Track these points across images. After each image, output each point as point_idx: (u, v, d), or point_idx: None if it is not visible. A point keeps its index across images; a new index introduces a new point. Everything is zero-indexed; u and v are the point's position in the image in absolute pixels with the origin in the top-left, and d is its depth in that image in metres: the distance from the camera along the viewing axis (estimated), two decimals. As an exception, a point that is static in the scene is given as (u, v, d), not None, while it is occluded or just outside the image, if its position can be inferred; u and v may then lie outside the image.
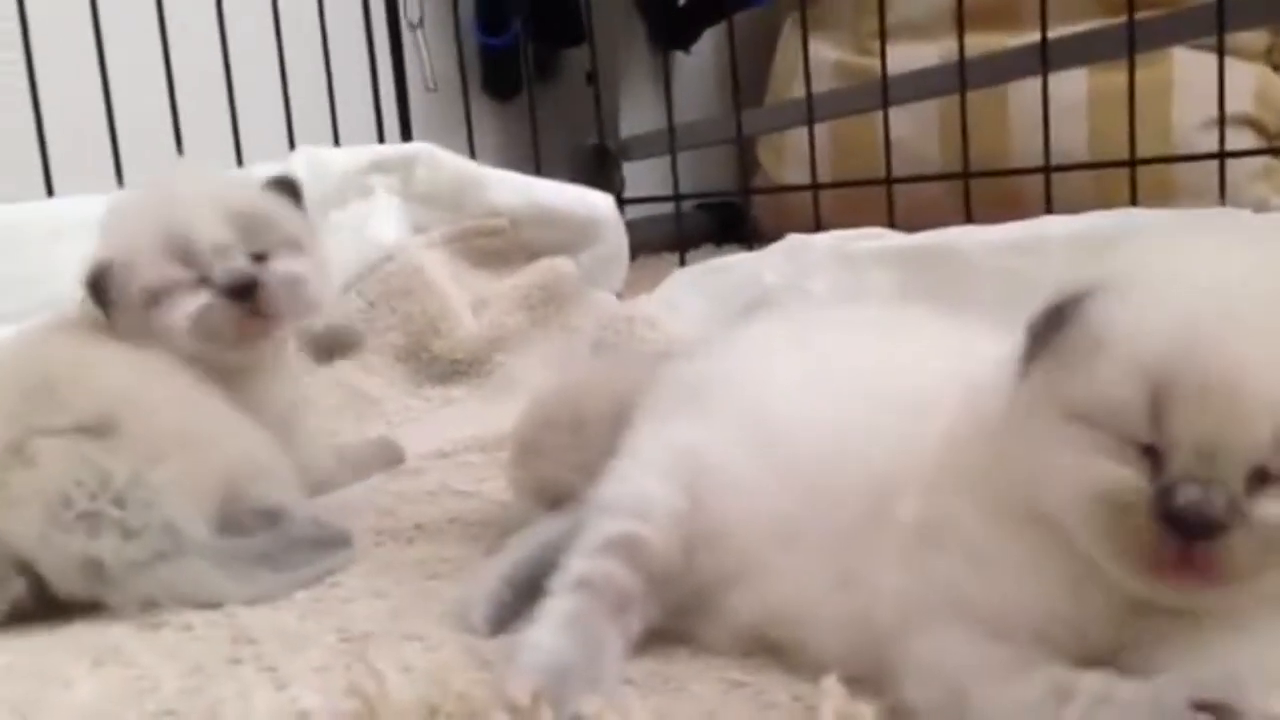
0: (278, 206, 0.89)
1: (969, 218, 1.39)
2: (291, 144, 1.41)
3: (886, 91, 1.59)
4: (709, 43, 2.61)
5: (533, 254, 1.31)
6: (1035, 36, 1.92)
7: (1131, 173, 1.43)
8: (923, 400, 0.58)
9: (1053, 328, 0.51)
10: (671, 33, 2.52)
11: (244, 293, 0.82)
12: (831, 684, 0.51)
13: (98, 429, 0.74)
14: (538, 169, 1.68)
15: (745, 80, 2.60)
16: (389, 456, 1.03)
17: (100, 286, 0.83)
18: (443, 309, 1.21)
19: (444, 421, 1.13)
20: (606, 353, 1.12)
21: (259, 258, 0.85)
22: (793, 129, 2.17)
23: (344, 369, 1.17)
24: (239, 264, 0.84)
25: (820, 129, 2.18)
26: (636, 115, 2.45)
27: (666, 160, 2.33)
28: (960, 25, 1.59)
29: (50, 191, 1.12)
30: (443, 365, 1.22)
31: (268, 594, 0.74)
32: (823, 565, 0.58)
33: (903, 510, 0.55)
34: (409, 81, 1.83)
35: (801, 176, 2.21)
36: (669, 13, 2.51)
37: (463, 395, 1.21)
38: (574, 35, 2.23)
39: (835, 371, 0.64)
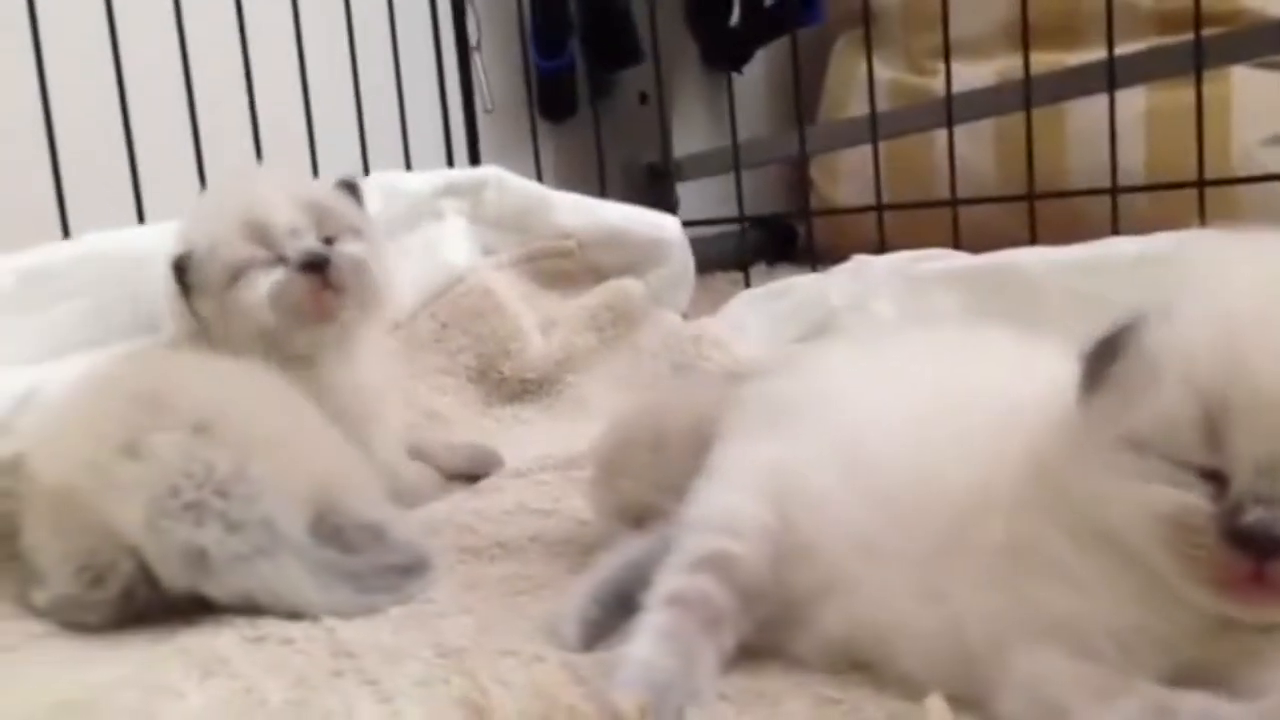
0: (342, 200, 0.98)
1: (1034, 239, 1.39)
2: (365, 168, 1.44)
3: (951, 111, 1.59)
4: (760, 63, 2.63)
5: (600, 275, 1.33)
6: (1092, 55, 1.93)
7: (1200, 193, 1.43)
8: (1000, 421, 0.59)
9: (1106, 359, 0.52)
10: (724, 53, 2.54)
11: (317, 267, 0.90)
12: (936, 702, 0.52)
13: (199, 428, 0.78)
14: (602, 190, 1.71)
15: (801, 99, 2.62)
16: (488, 460, 1.07)
17: (184, 270, 0.91)
18: (513, 330, 1.24)
19: (516, 441, 1.15)
20: (684, 373, 1.14)
21: (327, 241, 0.93)
22: (846, 148, 2.18)
23: (417, 390, 1.19)
24: (310, 243, 0.91)
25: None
26: (689, 135, 2.47)
27: (718, 180, 2.36)
28: (1025, 43, 1.59)
29: (141, 219, 1.16)
30: (513, 385, 1.24)
31: (351, 610, 0.76)
32: (907, 581, 0.59)
33: (987, 531, 0.56)
34: (464, 102, 1.86)
35: (855, 195, 2.22)
36: (721, 33, 2.53)
37: (533, 415, 1.23)
38: (629, 57, 2.25)
39: (916, 391, 0.66)
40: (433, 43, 1.74)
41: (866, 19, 1.79)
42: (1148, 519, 0.49)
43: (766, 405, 0.72)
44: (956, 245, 1.31)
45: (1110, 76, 1.54)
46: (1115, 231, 1.33)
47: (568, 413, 1.23)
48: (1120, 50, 1.87)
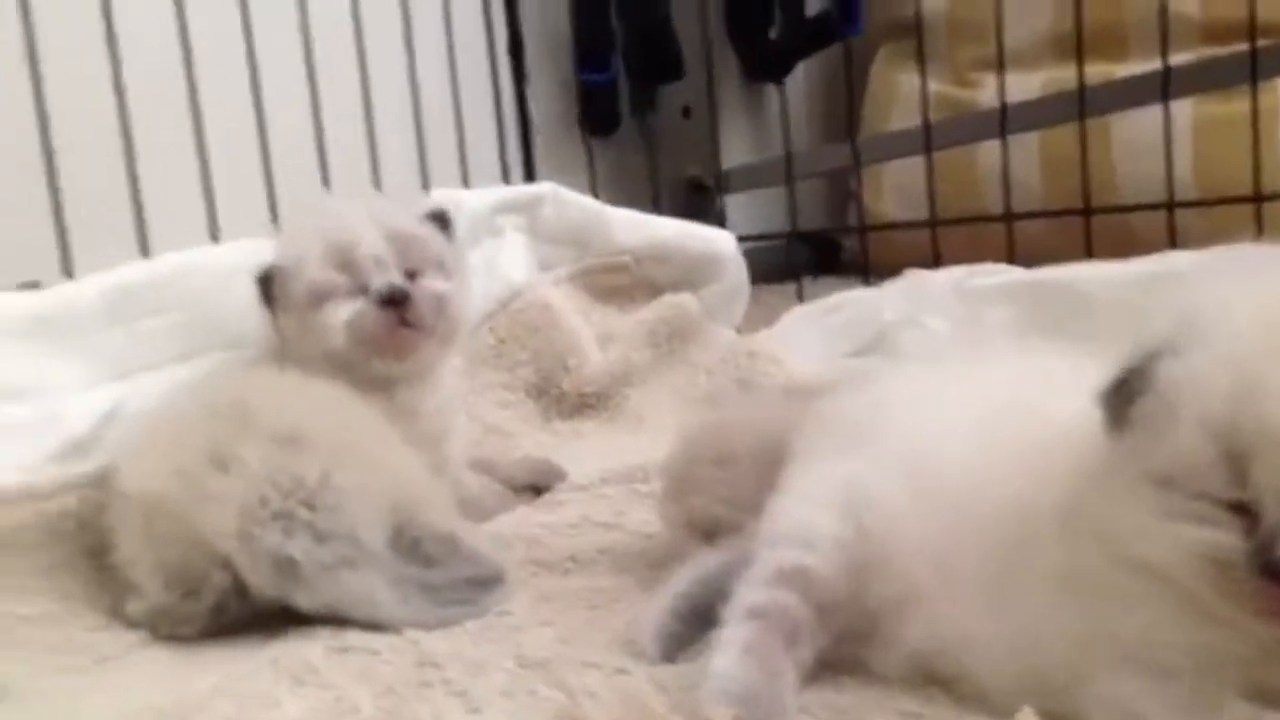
0: (430, 232, 0.99)
1: (1089, 254, 1.40)
2: (425, 185, 1.47)
3: (1005, 123, 1.59)
4: (800, 76, 2.64)
5: (655, 290, 1.35)
6: (1137, 66, 1.93)
7: (1257, 209, 1.42)
8: (1049, 444, 0.60)
9: (1124, 399, 0.53)
10: (765, 66, 2.56)
11: (395, 303, 0.91)
12: (1028, 717, 0.53)
13: (285, 440, 0.81)
14: (656, 204, 1.72)
15: (838, 112, 2.63)
16: (550, 474, 1.09)
17: (268, 284, 0.93)
18: (571, 345, 1.26)
19: (575, 454, 1.17)
20: (750, 390, 1.15)
21: (410, 274, 0.94)
22: (890, 161, 2.18)
23: (478, 404, 1.21)
24: (393, 277, 0.92)
25: (918, 161, 2.20)
26: (730, 148, 2.48)
27: (760, 192, 2.37)
28: (1080, 55, 1.58)
29: (215, 238, 1.19)
30: (572, 400, 1.26)
31: (430, 623, 0.78)
32: (977, 598, 0.60)
33: (1043, 554, 0.57)
34: (520, 118, 1.89)
35: (898, 208, 2.23)
36: (762, 45, 2.54)
37: (591, 429, 1.25)
38: (671, 71, 2.27)
39: (980, 411, 0.67)
40: (488, 62, 1.77)
41: (920, 33, 1.78)
42: (1182, 557, 0.50)
43: (837, 423, 0.74)
44: (1010, 260, 1.32)
45: (1165, 88, 1.53)
46: (1171, 246, 1.34)
47: (625, 427, 1.25)
48: (1172, 61, 1.87)
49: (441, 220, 1.00)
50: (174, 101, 1.23)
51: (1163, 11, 1.55)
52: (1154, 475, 0.51)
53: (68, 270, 1.04)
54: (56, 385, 0.90)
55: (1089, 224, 1.50)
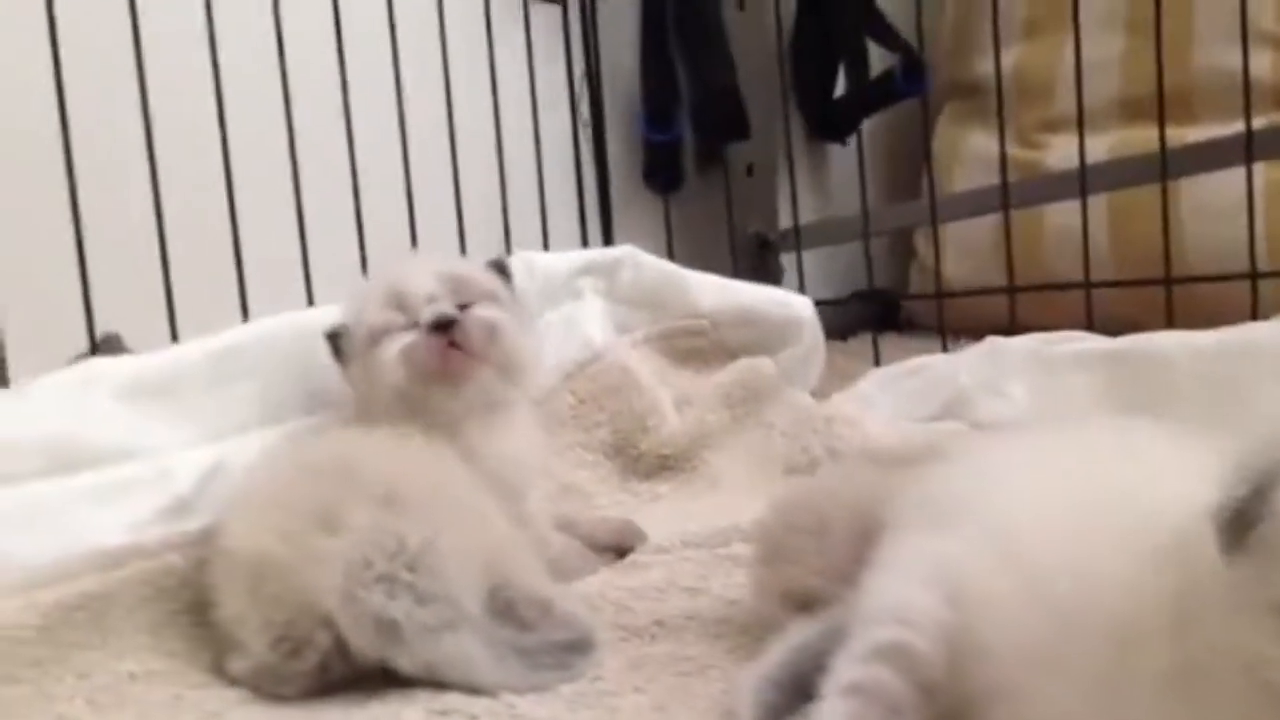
0: (485, 273, 1.03)
1: (1169, 323, 1.39)
2: (508, 248, 1.51)
3: (1085, 185, 1.58)
4: (862, 135, 2.66)
5: (732, 353, 1.37)
6: (1206, 131, 1.93)
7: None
8: (1160, 536, 0.58)
9: (1241, 525, 0.51)
10: (828, 125, 2.58)
11: (444, 328, 0.95)
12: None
13: (389, 502, 0.82)
14: (735, 264, 1.73)
15: (901, 172, 2.65)
16: (632, 535, 1.10)
17: (337, 339, 0.98)
18: (650, 406, 1.27)
19: (653, 516, 1.18)
20: (842, 459, 1.16)
21: (462, 307, 0.97)
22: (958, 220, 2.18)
23: (557, 463, 1.23)
24: (443, 307, 0.96)
25: (982, 223, 2.20)
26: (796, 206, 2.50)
27: (823, 252, 2.38)
28: (1161, 116, 1.58)
29: (311, 301, 1.23)
30: (649, 461, 1.27)
31: (524, 687, 0.79)
32: (1078, 694, 0.58)
33: (1151, 655, 0.55)
34: (599, 182, 1.93)
35: (961, 268, 2.23)
36: (827, 105, 2.57)
37: (669, 491, 1.26)
38: (738, 131, 2.30)
39: (1080, 492, 0.66)
40: (570, 125, 1.82)
41: (1000, 93, 1.77)
42: None
43: (934, 497, 0.74)
44: (1089, 327, 1.31)
45: (1248, 151, 1.52)
46: (1254, 317, 1.33)
47: (702, 489, 1.25)
48: (1235, 127, 1.86)
49: (501, 269, 1.05)
50: (275, 171, 1.28)
51: (1245, 72, 1.54)
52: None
53: (173, 333, 1.08)
54: (161, 445, 0.93)
55: (1170, 293, 1.49)
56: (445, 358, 0.95)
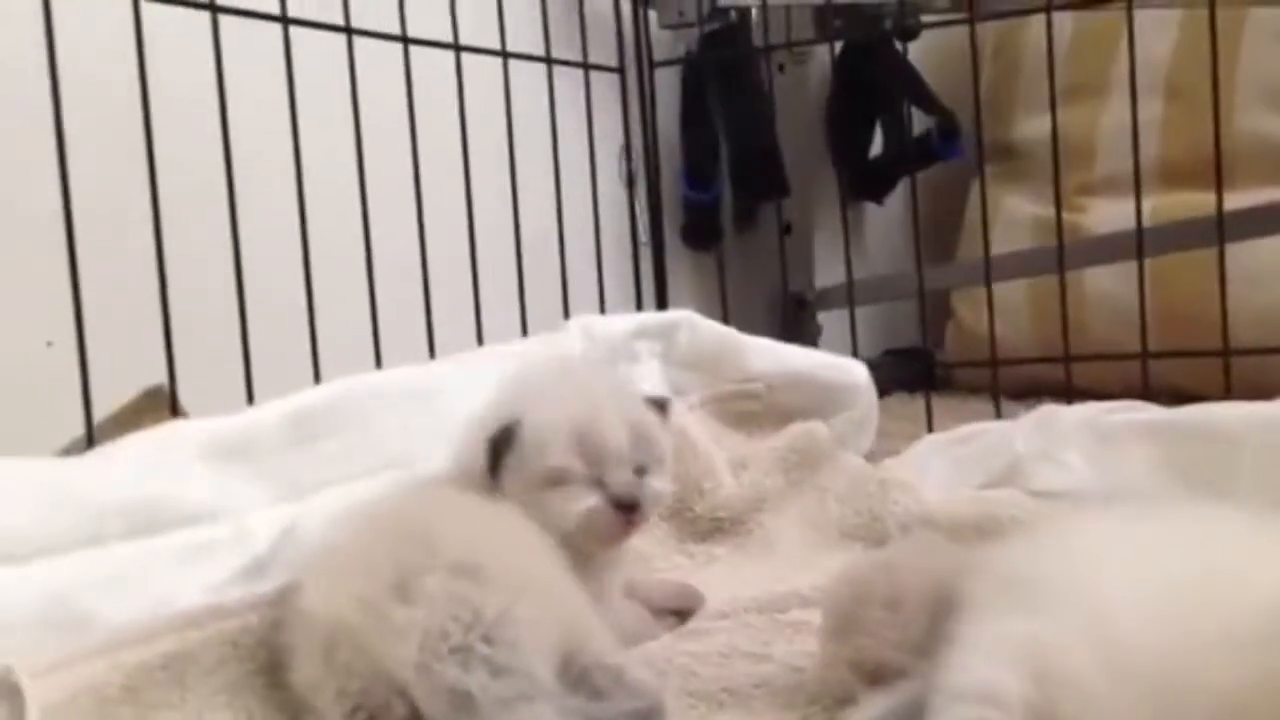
0: (660, 428, 1.02)
1: (1228, 393, 1.40)
2: (566, 312, 1.53)
3: (1142, 248, 1.58)
4: (900, 196, 2.70)
5: (786, 417, 1.38)
6: (1246, 197, 1.94)
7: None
8: (1267, 621, 0.59)
9: None
10: (865, 185, 2.60)
11: (629, 508, 0.95)
12: None
13: (467, 572, 0.82)
14: (780, 323, 1.73)
15: (937, 235, 2.66)
16: (691, 598, 1.10)
17: (503, 444, 0.95)
18: (706, 469, 1.28)
19: (710, 579, 1.18)
20: (914, 533, 1.16)
21: (639, 470, 0.98)
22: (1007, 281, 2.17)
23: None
24: (628, 478, 0.96)
25: (1017, 284, 2.21)
26: (830, 266, 2.53)
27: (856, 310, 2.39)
28: (1218, 178, 1.58)
29: (379, 364, 1.26)
30: (705, 524, 1.28)
31: (597, 756, 0.80)
32: None
33: None
34: (653, 245, 1.96)
35: (999, 330, 2.24)
36: (864, 164, 2.59)
37: (725, 554, 1.26)
38: (776, 190, 2.32)
39: (1174, 576, 0.66)
40: (625, 193, 1.86)
41: (1055, 154, 1.78)
42: None
43: (1019, 575, 0.74)
44: (1145, 397, 1.32)
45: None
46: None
47: (757, 552, 1.26)
48: (1276, 193, 1.87)
49: (662, 408, 1.04)
50: (347, 239, 1.31)
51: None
52: None
53: (250, 396, 1.11)
54: (239, 506, 0.95)
55: (1228, 364, 1.49)
56: (622, 533, 0.97)
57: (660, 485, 0.99)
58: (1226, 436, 1.15)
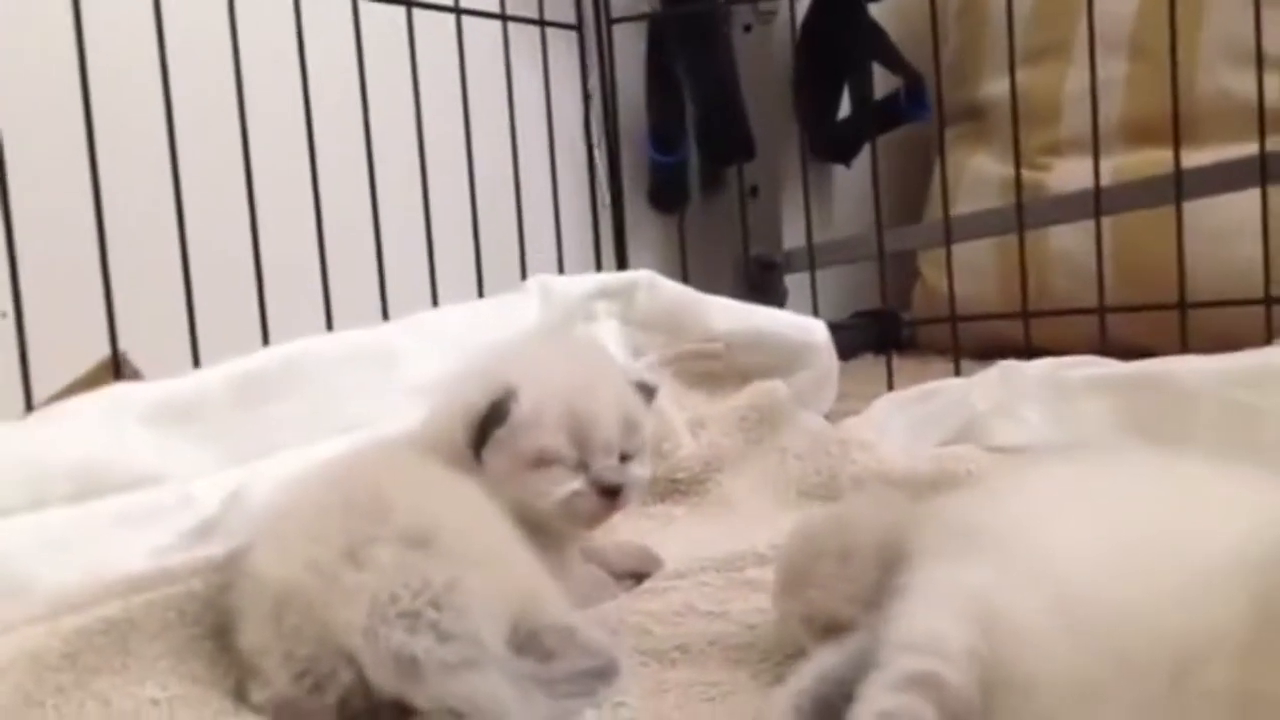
0: (645, 413, 1.02)
1: (1184, 348, 1.40)
2: (524, 272, 1.52)
3: (1099, 207, 1.58)
4: (867, 156, 2.68)
5: (745, 377, 1.37)
6: (1210, 154, 1.94)
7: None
8: (1221, 560, 0.58)
9: None
10: (831, 147, 2.59)
11: (612, 493, 0.95)
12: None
13: (418, 540, 0.82)
14: (745, 285, 1.73)
15: (904, 194, 2.66)
16: (649, 561, 1.10)
17: (496, 417, 0.94)
18: (665, 430, 1.27)
19: (668, 539, 1.18)
20: (867, 487, 1.16)
21: (623, 456, 0.98)
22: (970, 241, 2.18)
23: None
24: (614, 465, 0.96)
25: (984, 244, 2.21)
26: (798, 228, 2.52)
27: (822, 273, 2.39)
28: (1176, 137, 1.59)
29: (330, 326, 1.24)
30: (664, 484, 1.27)
31: (549, 718, 0.79)
32: None
33: (1212, 677, 0.55)
34: (613, 205, 1.95)
35: (962, 289, 2.24)
36: (830, 127, 2.58)
37: (683, 513, 1.26)
38: (742, 152, 2.31)
39: (1124, 523, 0.66)
40: (584, 152, 1.84)
41: (1015, 113, 1.77)
42: None
43: (964, 524, 0.74)
44: (1101, 351, 1.32)
45: (1263, 174, 1.53)
46: (1268, 341, 1.33)
47: (716, 512, 1.25)
48: (1239, 150, 1.87)
49: (649, 393, 1.04)
50: (295, 193, 1.29)
51: (1260, 94, 1.55)
52: None
53: (195, 357, 1.09)
54: (184, 470, 0.93)
55: (1184, 318, 1.49)
56: (604, 516, 0.97)
57: (642, 471, 0.99)
58: (1183, 390, 1.15)
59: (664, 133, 2.29)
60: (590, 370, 1.00)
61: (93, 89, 1.09)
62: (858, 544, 0.84)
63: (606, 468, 0.96)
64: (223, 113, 1.23)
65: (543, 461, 0.94)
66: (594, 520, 0.97)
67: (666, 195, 2.34)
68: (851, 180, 2.65)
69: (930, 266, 2.50)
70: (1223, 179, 1.73)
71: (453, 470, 0.91)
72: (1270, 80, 1.82)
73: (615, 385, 1.00)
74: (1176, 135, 1.56)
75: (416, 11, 1.48)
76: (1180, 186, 1.57)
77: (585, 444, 0.95)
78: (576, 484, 0.95)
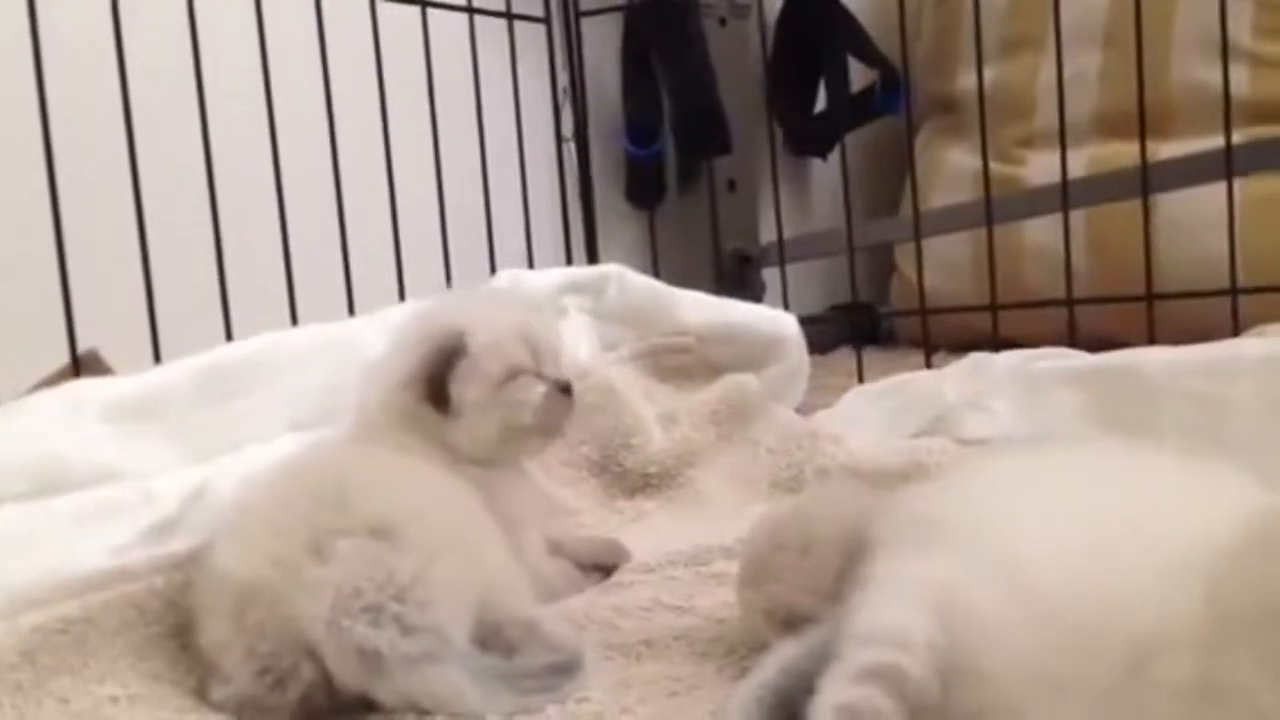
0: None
1: (1151, 339, 1.40)
2: (493, 267, 1.51)
3: (1067, 200, 1.59)
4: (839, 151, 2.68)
5: (717, 370, 1.37)
6: (1183, 146, 1.94)
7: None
8: (1182, 554, 0.59)
9: None
10: (808, 141, 2.59)
11: (568, 390, 1.00)
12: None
13: (382, 532, 0.81)
14: (719, 279, 1.72)
15: (881, 188, 2.66)
16: (616, 553, 1.10)
17: (457, 353, 0.97)
18: (635, 424, 1.27)
19: (638, 534, 1.17)
20: (829, 479, 1.16)
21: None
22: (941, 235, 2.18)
23: (542, 482, 1.22)
24: (565, 369, 1.02)
25: (961, 237, 2.22)
26: (773, 221, 2.52)
27: (801, 266, 2.39)
28: (1142, 130, 1.60)
29: (295, 321, 1.23)
30: (634, 479, 1.27)
31: (511, 712, 0.79)
32: (1085, 712, 0.58)
33: (1171, 668, 0.55)
34: (583, 199, 1.94)
35: (940, 282, 2.23)
36: (806, 121, 2.58)
37: (653, 508, 1.26)
38: (719, 147, 2.30)
39: (1085, 514, 0.66)
40: (554, 145, 1.83)
41: (982, 106, 1.77)
42: None
43: (923, 516, 0.73)
44: (1071, 343, 1.32)
45: (1228, 167, 1.53)
46: (1235, 333, 1.34)
47: (687, 507, 1.25)
48: (1212, 142, 1.88)
49: None
50: (259, 187, 1.28)
51: (1226, 87, 1.55)
52: None
53: (157, 353, 1.08)
54: (144, 467, 0.93)
55: (1151, 309, 1.50)
56: (567, 416, 1.01)
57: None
58: (1150, 382, 1.15)
59: (640, 127, 2.28)
60: (511, 300, 1.10)
61: (49, 89, 1.08)
62: (819, 536, 0.84)
63: (560, 370, 1.01)
64: (182, 106, 1.22)
65: (510, 376, 0.97)
66: (560, 422, 1.01)
67: (643, 189, 2.34)
68: (830, 174, 2.64)
69: (906, 260, 2.50)
70: (1190, 171, 1.74)
71: (414, 455, 0.91)
72: (1238, 72, 1.83)
73: (531, 306, 1.07)
74: (1143, 127, 1.57)
75: (383, 5, 1.47)
76: (1146, 179, 1.56)
77: (539, 353, 1.00)
78: (543, 387, 0.99)
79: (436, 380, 0.96)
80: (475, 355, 0.97)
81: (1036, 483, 0.71)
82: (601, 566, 1.09)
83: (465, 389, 0.96)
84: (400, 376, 0.97)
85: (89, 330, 1.10)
